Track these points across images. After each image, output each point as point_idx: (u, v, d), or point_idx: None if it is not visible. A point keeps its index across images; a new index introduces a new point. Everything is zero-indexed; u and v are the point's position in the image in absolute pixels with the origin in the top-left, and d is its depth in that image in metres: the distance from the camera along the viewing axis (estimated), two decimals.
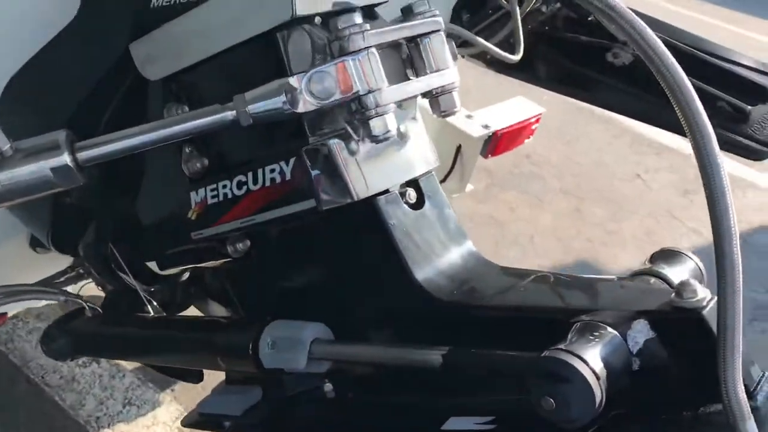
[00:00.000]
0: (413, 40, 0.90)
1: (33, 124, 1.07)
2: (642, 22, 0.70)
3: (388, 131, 0.82)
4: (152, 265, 1.24)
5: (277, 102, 0.80)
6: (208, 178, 0.99)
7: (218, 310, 1.31)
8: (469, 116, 2.42)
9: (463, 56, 1.94)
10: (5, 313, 1.80)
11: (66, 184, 0.80)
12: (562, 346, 0.69)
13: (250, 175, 0.94)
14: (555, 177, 4.24)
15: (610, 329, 0.72)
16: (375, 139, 0.83)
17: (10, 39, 1.04)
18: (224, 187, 0.97)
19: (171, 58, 0.98)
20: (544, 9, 2.03)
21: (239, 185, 0.95)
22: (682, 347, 0.72)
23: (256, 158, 0.93)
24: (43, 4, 1.05)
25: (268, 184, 0.92)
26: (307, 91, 0.79)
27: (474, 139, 2.34)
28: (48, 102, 1.06)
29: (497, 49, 1.56)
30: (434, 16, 0.90)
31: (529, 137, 2.66)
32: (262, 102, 0.80)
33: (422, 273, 0.88)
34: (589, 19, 1.91)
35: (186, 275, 1.32)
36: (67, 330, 1.27)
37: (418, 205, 0.94)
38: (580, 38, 1.97)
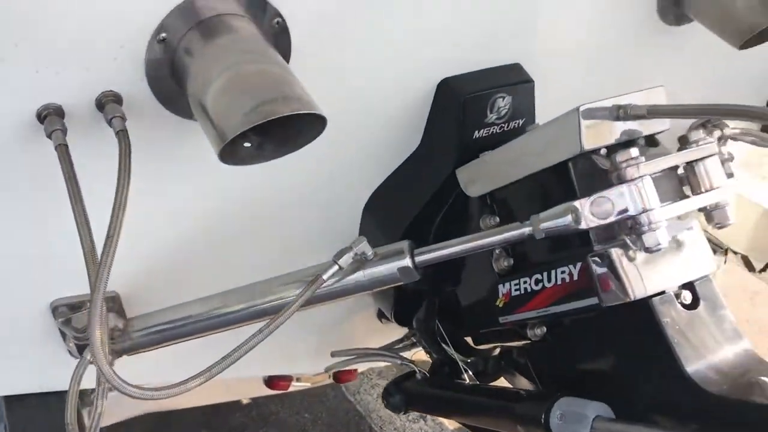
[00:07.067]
0: (690, 163, 1.05)
1: (384, 231, 1.43)
2: None
3: (659, 244, 0.97)
4: (469, 339, 1.51)
5: (565, 221, 1.01)
6: (513, 275, 1.22)
7: (523, 382, 1.52)
8: None
9: None
10: (356, 370, 2.22)
11: (407, 280, 1.10)
12: None
13: (545, 274, 1.15)
14: None
15: None
16: (648, 250, 0.99)
17: (369, 166, 1.41)
18: (525, 282, 1.19)
19: (488, 180, 1.25)
20: None
21: (536, 282, 1.17)
22: None
23: (551, 260, 1.14)
24: (397, 138, 1.41)
25: (559, 282, 1.12)
26: (589, 212, 0.99)
27: None
28: (394, 213, 1.41)
29: None
30: (709, 143, 1.04)
31: None
32: (553, 221, 1.02)
33: (693, 366, 1.00)
34: None
35: (497, 350, 1.56)
36: (402, 389, 1.58)
37: (692, 306, 1.06)
38: None
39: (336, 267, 1.07)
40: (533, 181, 1.17)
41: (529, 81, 1.36)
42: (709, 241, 2.26)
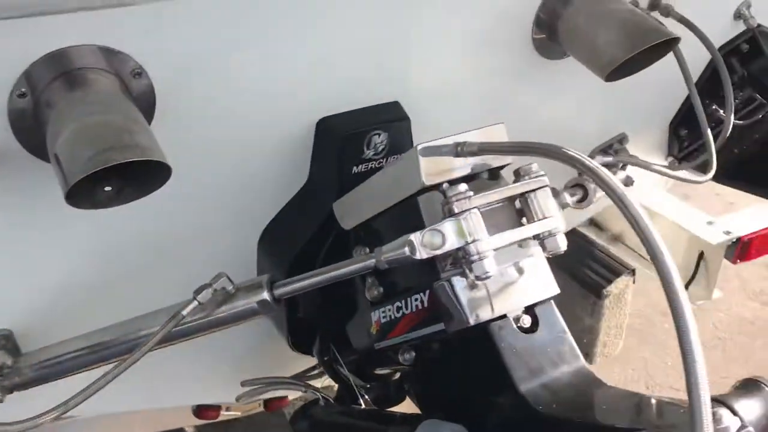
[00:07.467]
0: (523, 195, 1.12)
1: (274, 264, 1.49)
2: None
3: (487, 272, 1.04)
4: None
5: (403, 252, 1.07)
6: (382, 303, 1.29)
7: None
8: (710, 222, 2.40)
9: None
10: (286, 397, 2.27)
11: (267, 312, 1.16)
12: None
13: (404, 301, 1.21)
14: None
15: None
16: (478, 278, 1.05)
17: (259, 202, 1.48)
18: (389, 310, 1.26)
19: (356, 213, 1.32)
20: None
21: (398, 309, 1.23)
22: None
23: (408, 288, 1.21)
24: (285, 174, 1.48)
25: (414, 309, 1.19)
26: (422, 244, 1.05)
27: (713, 246, 2.32)
28: (282, 247, 1.47)
29: (682, 175, 1.64)
30: (540, 176, 1.11)
31: None
32: (392, 252, 1.08)
33: (526, 386, 1.06)
34: None
35: (398, 374, 1.61)
36: (308, 415, 1.64)
37: (531, 329, 1.12)
38: None
39: (195, 303, 1.13)
40: (393, 214, 1.23)
41: (404, 119, 1.44)
42: (616, 261, 2.35)
